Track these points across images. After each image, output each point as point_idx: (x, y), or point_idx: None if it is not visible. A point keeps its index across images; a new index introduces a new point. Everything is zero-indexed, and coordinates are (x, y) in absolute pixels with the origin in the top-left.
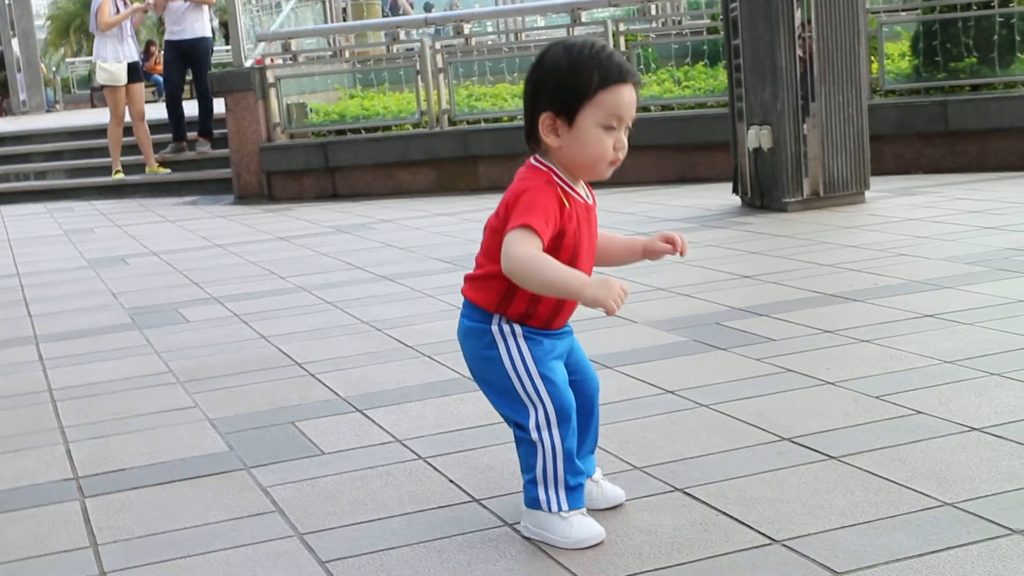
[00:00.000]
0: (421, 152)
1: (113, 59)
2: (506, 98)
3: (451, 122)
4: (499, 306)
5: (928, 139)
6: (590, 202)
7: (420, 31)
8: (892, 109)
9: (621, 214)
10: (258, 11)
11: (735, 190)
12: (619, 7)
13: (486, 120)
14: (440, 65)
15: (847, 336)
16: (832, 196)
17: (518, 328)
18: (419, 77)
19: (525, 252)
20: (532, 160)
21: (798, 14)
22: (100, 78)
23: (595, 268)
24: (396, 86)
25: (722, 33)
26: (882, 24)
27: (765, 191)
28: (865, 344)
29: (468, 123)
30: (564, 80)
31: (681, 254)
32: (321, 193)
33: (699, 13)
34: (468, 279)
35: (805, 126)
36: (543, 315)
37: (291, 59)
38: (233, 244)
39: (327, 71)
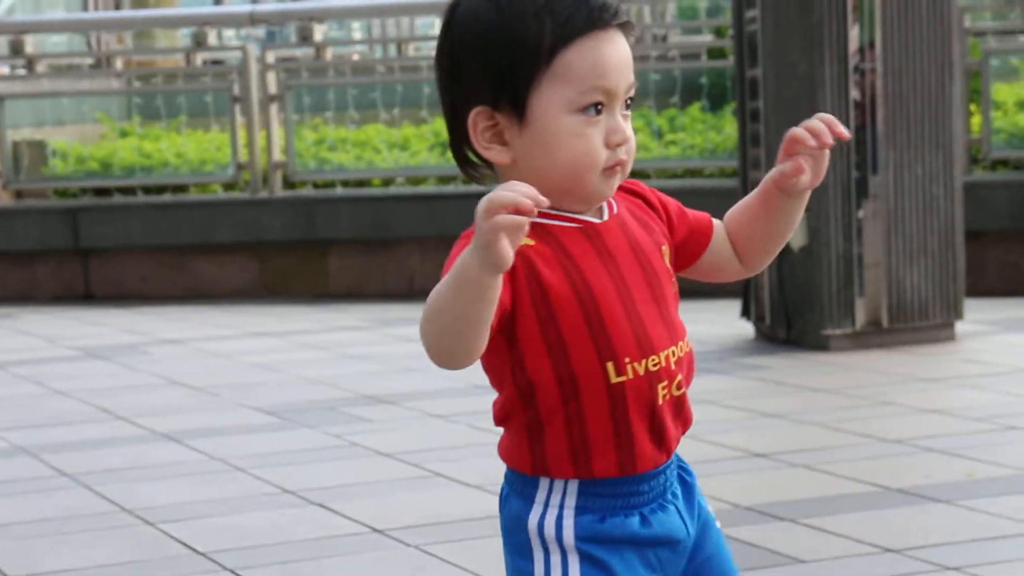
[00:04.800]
0: (236, 230)
1: None
2: (379, 148)
3: (288, 183)
4: (535, 458)
5: None
6: (613, 211)
7: (243, 32)
8: (1003, 190)
9: None
10: None
11: (745, 313)
12: None
13: (345, 183)
14: (274, 90)
15: (922, 559)
16: (902, 328)
17: (569, 534)
18: (237, 107)
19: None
20: None
21: (854, 33)
22: None
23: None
24: (198, 120)
25: (732, 58)
26: (989, 54)
27: (794, 316)
28: (951, 573)
29: (316, 186)
30: (495, 44)
31: (825, 141)
32: (65, 291)
33: (695, 25)
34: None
35: (861, 212)
36: (603, 441)
37: (25, 68)
38: None
39: (84, 91)
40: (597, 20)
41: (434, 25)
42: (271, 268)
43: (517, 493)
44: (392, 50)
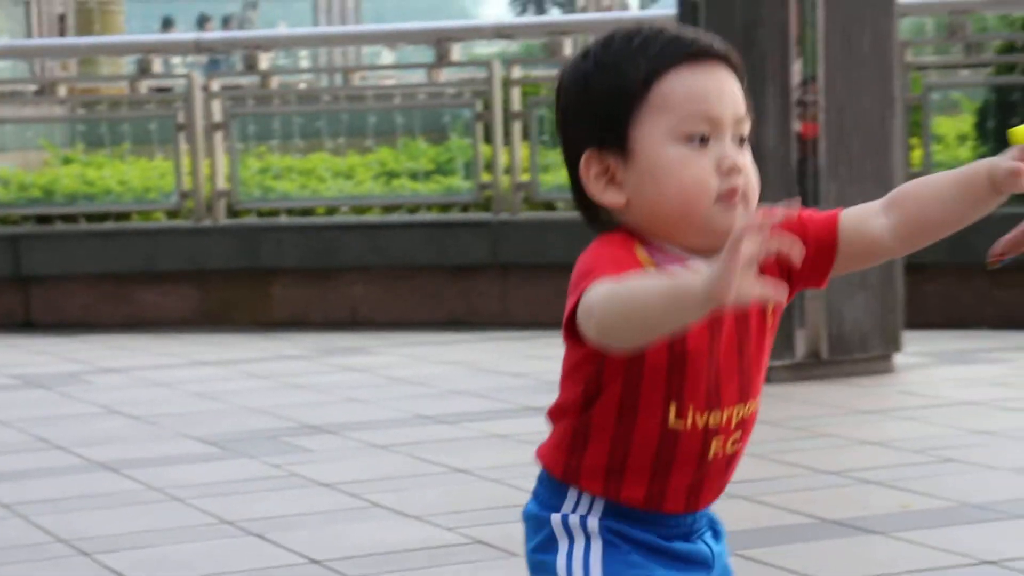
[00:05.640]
0: (179, 259)
1: None
2: (324, 177)
3: (232, 212)
4: (568, 464)
5: (999, 275)
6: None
7: (188, 60)
8: None
9: (472, 388)
10: None
11: None
12: (513, 39)
13: (289, 212)
14: (219, 118)
15: None
16: (841, 360)
17: (594, 524)
18: (181, 135)
19: (602, 294)
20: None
21: (796, 67)
22: None
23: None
24: (143, 148)
25: None
26: (930, 89)
27: None
28: None
29: (260, 214)
30: (594, 88)
31: None
32: (5, 319)
33: None
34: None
35: None
36: (639, 472)
37: None
38: None
39: (27, 117)
40: (689, 51)
41: (380, 57)
42: (214, 297)
43: (540, 502)
44: (338, 79)
